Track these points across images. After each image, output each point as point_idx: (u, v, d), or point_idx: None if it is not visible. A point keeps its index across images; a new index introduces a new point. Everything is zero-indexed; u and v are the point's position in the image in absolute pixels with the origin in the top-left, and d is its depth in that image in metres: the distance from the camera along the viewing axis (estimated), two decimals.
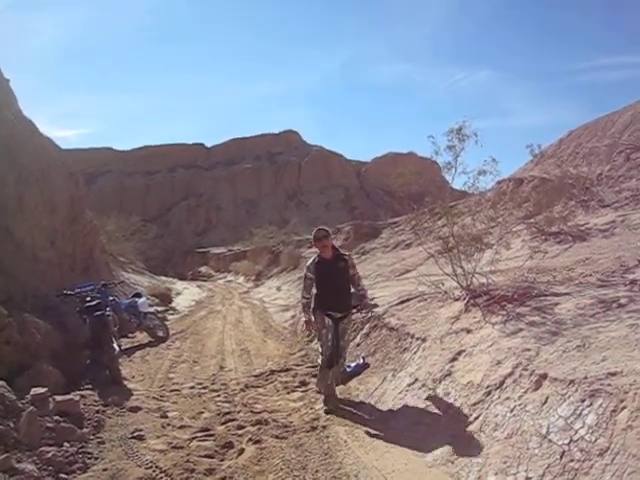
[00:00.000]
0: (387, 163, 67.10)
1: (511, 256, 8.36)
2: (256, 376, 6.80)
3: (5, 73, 8.75)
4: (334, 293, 5.38)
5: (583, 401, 3.16)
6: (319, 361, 5.52)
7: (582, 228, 9.84)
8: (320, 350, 5.53)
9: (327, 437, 4.43)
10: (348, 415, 5.00)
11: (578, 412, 3.13)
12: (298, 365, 7.25)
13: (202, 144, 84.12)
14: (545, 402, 3.44)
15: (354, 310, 5.73)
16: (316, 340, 8.41)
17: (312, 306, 5.48)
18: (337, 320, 5.38)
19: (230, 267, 37.14)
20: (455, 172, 6.79)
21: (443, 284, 6.80)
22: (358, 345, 7.04)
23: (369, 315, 7.25)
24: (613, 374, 3.19)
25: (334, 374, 5.39)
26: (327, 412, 5.06)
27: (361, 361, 6.31)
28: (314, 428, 4.66)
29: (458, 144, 6.65)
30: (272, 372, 6.92)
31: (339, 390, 5.56)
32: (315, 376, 6.25)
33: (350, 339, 5.62)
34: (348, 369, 6.03)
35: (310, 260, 5.57)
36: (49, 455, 3.77)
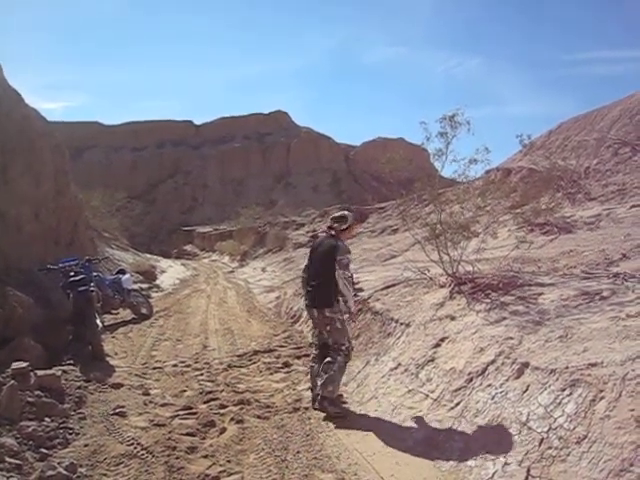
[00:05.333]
0: (376, 148, 66.61)
1: (497, 245, 8.42)
2: (239, 356, 6.80)
3: None
4: (311, 280, 4.83)
5: (563, 390, 3.21)
6: (314, 352, 5.02)
7: (568, 220, 9.95)
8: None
9: (309, 419, 4.46)
10: None
11: (558, 401, 3.18)
12: (282, 346, 7.27)
13: (191, 122, 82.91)
14: (526, 390, 3.49)
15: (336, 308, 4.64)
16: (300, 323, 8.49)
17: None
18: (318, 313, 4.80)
19: (215, 246, 36.98)
20: (446, 159, 6.80)
21: (429, 270, 6.84)
22: None
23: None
24: (593, 365, 3.24)
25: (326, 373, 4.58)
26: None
27: None
28: (296, 409, 4.68)
29: (450, 131, 6.65)
30: (255, 352, 6.93)
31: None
32: (298, 357, 6.31)
33: (338, 333, 4.69)
34: None
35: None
36: (29, 430, 3.75)
